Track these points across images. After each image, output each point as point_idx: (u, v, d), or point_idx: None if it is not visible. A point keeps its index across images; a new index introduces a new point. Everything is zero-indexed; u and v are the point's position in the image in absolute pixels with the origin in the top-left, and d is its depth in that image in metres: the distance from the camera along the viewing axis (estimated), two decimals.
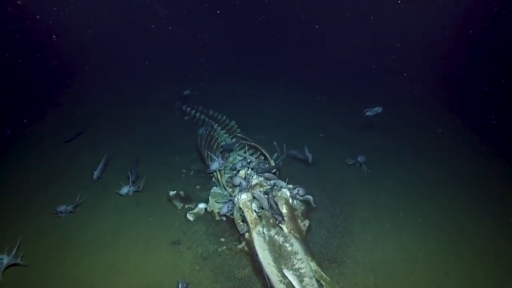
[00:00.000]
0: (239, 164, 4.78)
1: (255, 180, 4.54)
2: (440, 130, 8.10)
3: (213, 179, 5.34)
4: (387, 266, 4.17)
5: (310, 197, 4.24)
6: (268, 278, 3.43)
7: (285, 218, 3.93)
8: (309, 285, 3.30)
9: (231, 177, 4.75)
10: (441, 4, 13.50)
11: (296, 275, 3.40)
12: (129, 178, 5.35)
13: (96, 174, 5.49)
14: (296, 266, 3.47)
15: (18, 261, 4.04)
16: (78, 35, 12.15)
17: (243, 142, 5.78)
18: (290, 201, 4.20)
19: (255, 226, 3.86)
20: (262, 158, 5.39)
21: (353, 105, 9.04)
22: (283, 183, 4.41)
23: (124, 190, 5.19)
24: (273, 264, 3.49)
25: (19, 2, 10.47)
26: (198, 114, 7.95)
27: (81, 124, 7.61)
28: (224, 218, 4.76)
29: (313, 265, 3.54)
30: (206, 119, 7.37)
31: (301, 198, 4.28)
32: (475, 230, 4.85)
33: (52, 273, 4.03)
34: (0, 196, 5.32)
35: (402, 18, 14.02)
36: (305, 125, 8.26)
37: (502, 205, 5.41)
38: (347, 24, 14.81)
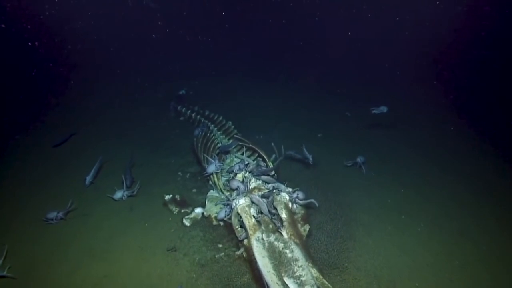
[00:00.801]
0: (237, 167, 4.62)
1: (253, 183, 4.40)
2: (452, 128, 7.93)
3: (210, 182, 5.19)
4: (390, 272, 4.04)
5: (311, 200, 4.10)
6: (268, 286, 3.28)
7: (285, 223, 3.79)
8: None
9: (228, 180, 4.60)
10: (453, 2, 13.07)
11: (297, 283, 3.27)
12: (123, 182, 5.17)
13: (88, 179, 5.30)
14: (297, 274, 3.34)
15: (5, 273, 3.80)
16: (72, 38, 11.92)
17: (240, 144, 5.63)
18: (290, 205, 4.06)
19: (254, 233, 3.71)
20: (260, 160, 5.25)
21: (356, 105, 8.94)
22: (282, 186, 4.27)
23: (118, 194, 5.01)
24: (273, 271, 3.34)
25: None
26: (193, 114, 7.80)
27: (73, 127, 7.39)
28: (221, 223, 4.62)
29: (314, 272, 3.40)
30: (202, 120, 7.22)
31: (301, 202, 4.14)
32: (480, 234, 4.72)
33: (41, 287, 3.82)
34: None
35: (410, 18, 13.66)
36: (305, 125, 8.12)
37: (508, 209, 5.28)
38: (352, 21, 14.61)
